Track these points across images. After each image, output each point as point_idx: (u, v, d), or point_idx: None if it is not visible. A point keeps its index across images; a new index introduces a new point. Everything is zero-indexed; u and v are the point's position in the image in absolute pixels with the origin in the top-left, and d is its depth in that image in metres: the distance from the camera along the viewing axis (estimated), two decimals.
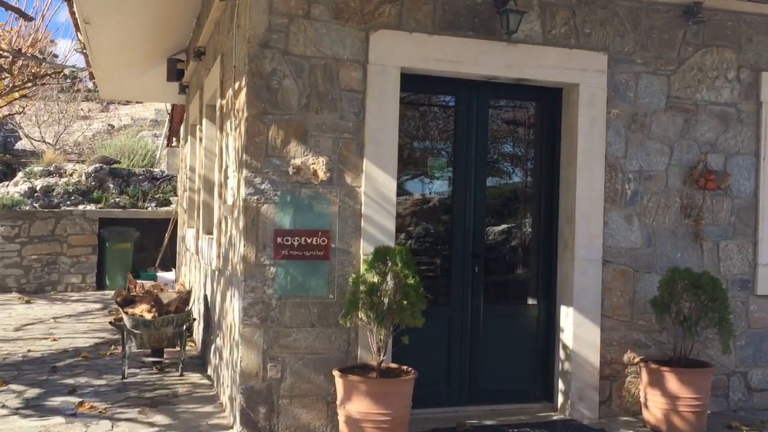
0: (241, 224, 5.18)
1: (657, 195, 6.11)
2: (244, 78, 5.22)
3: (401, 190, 5.91)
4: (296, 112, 5.23)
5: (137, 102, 22.11)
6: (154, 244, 14.21)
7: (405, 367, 5.12)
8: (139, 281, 9.05)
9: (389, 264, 5.02)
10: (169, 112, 14.31)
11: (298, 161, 5.23)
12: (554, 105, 6.11)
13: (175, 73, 9.82)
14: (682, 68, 6.16)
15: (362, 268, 5.17)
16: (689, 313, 5.59)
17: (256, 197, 5.15)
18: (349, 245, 5.36)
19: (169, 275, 12.41)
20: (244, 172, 5.15)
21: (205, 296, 7.42)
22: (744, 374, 6.33)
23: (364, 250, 5.31)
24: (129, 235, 13.64)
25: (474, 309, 5.94)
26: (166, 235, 13.59)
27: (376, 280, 5.00)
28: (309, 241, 5.27)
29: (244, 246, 5.14)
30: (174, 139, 14.08)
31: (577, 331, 5.87)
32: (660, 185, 6.12)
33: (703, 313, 5.55)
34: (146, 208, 14.78)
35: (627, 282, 6.04)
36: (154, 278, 12.27)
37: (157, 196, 15.20)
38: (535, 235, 6.19)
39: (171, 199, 14.97)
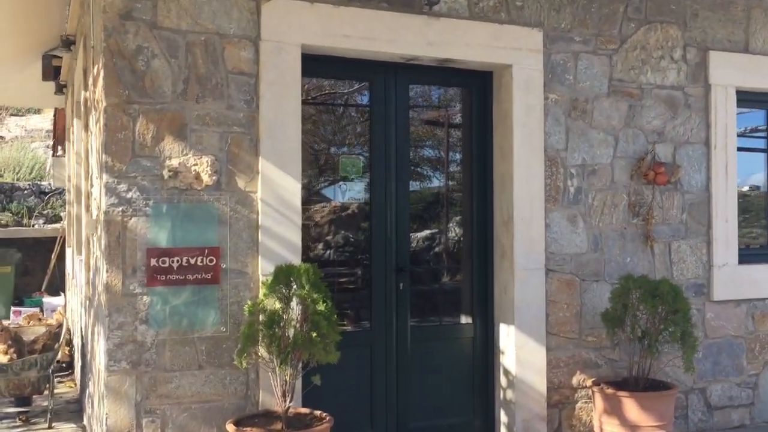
0: (103, 243, 4.08)
1: (602, 192, 5.34)
2: (101, 59, 4.12)
3: (319, 197, 4.94)
4: (171, 100, 4.17)
5: (34, 110, 20.20)
6: (41, 266, 12.65)
7: (318, 412, 4.13)
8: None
9: (294, 287, 4.02)
10: (54, 117, 12.85)
11: (175, 162, 4.17)
12: (485, 90, 5.26)
13: (51, 70, 8.53)
14: (624, 47, 5.43)
15: (261, 292, 4.15)
16: (647, 327, 4.83)
17: (120, 209, 4.06)
18: (244, 264, 4.33)
19: (58, 300, 10.98)
20: (105, 177, 4.05)
21: (82, 329, 6.21)
22: (703, 391, 5.64)
23: (264, 269, 4.30)
24: (8, 257, 12.06)
25: (400, 332, 5.00)
26: (53, 255, 12.12)
27: (277, 307, 4.00)
28: (192, 261, 4.21)
29: (108, 271, 4.04)
30: (59, 147, 12.62)
31: (519, 353, 5.02)
32: (605, 181, 5.36)
33: (664, 326, 4.80)
34: (32, 225, 13.21)
35: (573, 293, 5.24)
36: (39, 304, 10.86)
37: (45, 212, 13.63)
38: (467, 243, 5.32)
39: (62, 214, 13.46)
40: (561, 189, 5.20)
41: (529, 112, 5.09)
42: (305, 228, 4.80)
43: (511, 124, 5.05)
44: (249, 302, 4.10)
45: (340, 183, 4.96)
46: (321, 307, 3.93)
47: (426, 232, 5.38)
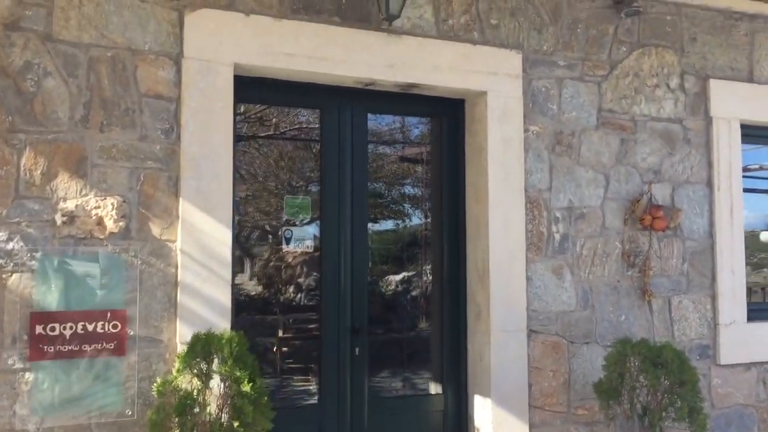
0: None
1: (592, 239, 4.61)
2: None
3: (258, 245, 4.17)
4: (68, 128, 3.40)
5: None
6: None
7: None
8: None
9: (215, 360, 3.21)
10: None
11: (71, 204, 3.38)
12: (456, 121, 4.54)
13: None
14: (614, 73, 4.75)
15: (175, 366, 3.32)
16: (648, 402, 4.05)
17: None
18: (158, 330, 3.52)
19: None
20: None
21: None
22: None
23: (184, 336, 3.49)
24: None
25: (355, 406, 4.18)
26: None
27: (193, 386, 3.18)
28: (91, 328, 3.39)
29: None
30: None
31: (498, 431, 4.21)
32: (595, 226, 4.63)
33: (668, 401, 4.02)
34: None
35: (560, 358, 4.46)
36: None
37: None
38: (437, 299, 4.53)
39: None
40: (544, 236, 4.46)
41: (506, 147, 4.36)
42: (238, 285, 4.03)
43: (486, 160, 4.32)
44: (159, 380, 3.27)
45: (285, 228, 4.18)
46: (246, 387, 3.12)
47: (390, 286, 4.60)
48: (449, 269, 4.48)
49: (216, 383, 3.19)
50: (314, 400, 4.16)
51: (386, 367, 4.51)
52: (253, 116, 4.24)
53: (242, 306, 4.20)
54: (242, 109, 4.08)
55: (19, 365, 3.25)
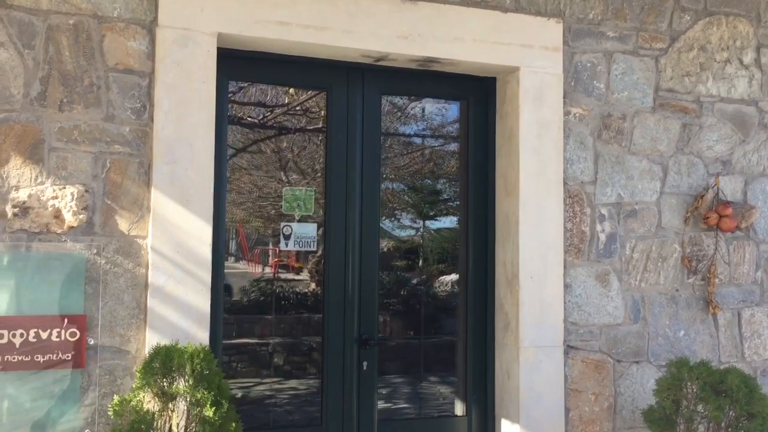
0: None
1: (645, 240, 3.93)
2: None
3: (259, 242, 3.69)
4: (21, 107, 2.97)
5: None
6: None
7: None
8: None
9: (176, 377, 2.73)
10: None
11: (24, 194, 2.95)
12: (484, 103, 3.94)
13: None
14: (675, 47, 4.05)
15: (134, 382, 2.85)
16: None
17: None
18: (124, 340, 3.06)
19: None
20: None
21: None
22: None
23: (156, 346, 3.01)
24: None
25: (363, 430, 3.65)
26: None
27: (152, 407, 2.71)
28: (45, 335, 2.95)
29: None
30: None
31: None
32: (649, 225, 3.95)
33: None
34: None
35: (604, 379, 3.81)
36: None
37: None
38: (462, 308, 3.94)
39: None
40: (587, 236, 3.82)
41: (542, 132, 3.74)
42: (228, 288, 3.57)
43: (518, 148, 3.71)
44: (116, 398, 2.80)
45: (284, 224, 3.67)
46: (209, 411, 2.62)
47: (406, 292, 4.04)
48: (475, 273, 3.88)
49: (178, 405, 2.71)
50: (316, 422, 3.63)
51: (400, 384, 3.95)
52: (246, 97, 3.73)
53: (233, 310, 3.69)
54: (234, 87, 3.59)
55: None
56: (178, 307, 3.11)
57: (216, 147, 3.26)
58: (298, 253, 3.81)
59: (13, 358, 2.90)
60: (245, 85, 3.68)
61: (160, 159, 3.11)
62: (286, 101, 3.82)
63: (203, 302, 3.15)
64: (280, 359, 3.69)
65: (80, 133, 3.03)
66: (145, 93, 3.12)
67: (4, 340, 2.89)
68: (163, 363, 2.71)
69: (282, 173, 3.75)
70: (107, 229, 3.05)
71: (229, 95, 3.53)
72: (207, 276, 3.17)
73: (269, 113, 3.79)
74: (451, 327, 4.03)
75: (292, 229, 3.67)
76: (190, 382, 2.65)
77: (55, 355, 2.96)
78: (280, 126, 3.82)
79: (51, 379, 2.96)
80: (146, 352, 3.03)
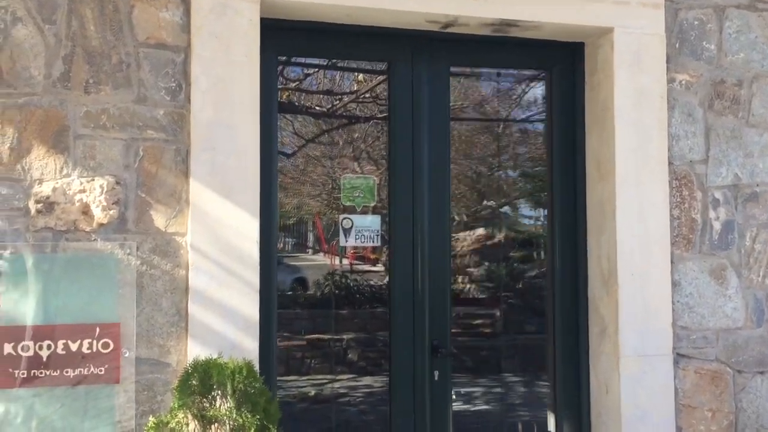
0: None
1: None
2: None
3: (299, 239, 3.30)
4: (43, 89, 2.64)
5: None
6: None
7: None
8: None
9: (217, 397, 2.33)
10: None
11: (48, 188, 2.62)
12: (572, 72, 3.40)
13: None
14: None
15: (172, 401, 2.48)
16: None
17: None
18: (163, 351, 2.70)
19: None
20: None
21: None
22: None
23: (198, 358, 2.64)
24: None
25: None
26: None
27: (193, 430, 2.33)
28: (75, 347, 2.62)
29: None
30: None
31: None
32: None
33: None
34: None
35: (723, 392, 3.23)
36: None
37: None
38: (550, 310, 3.43)
39: None
40: (698, 224, 3.24)
41: (642, 103, 3.18)
42: (303, 281, 3.22)
43: (613, 122, 3.16)
44: (152, 420, 2.44)
45: (343, 217, 3.24)
46: None
47: (486, 296, 3.55)
48: (563, 269, 3.36)
49: (226, 428, 2.32)
50: None
51: (476, 397, 3.47)
52: (307, 84, 3.32)
53: (306, 305, 3.34)
54: (282, 60, 3.18)
55: None
56: (223, 313, 2.73)
57: (262, 131, 2.85)
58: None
59: (41, 373, 2.58)
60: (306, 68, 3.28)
61: (199, 145, 2.73)
62: (354, 88, 3.40)
63: (251, 307, 2.75)
64: (354, 355, 3.36)
65: (109, 117, 2.68)
66: (180, 70, 2.75)
67: (31, 353, 2.57)
68: (202, 380, 2.32)
69: (346, 161, 3.33)
70: (141, 225, 2.69)
71: (293, 83, 3.13)
72: (254, 277, 2.77)
73: (330, 98, 3.38)
74: (539, 326, 3.53)
75: (352, 222, 3.24)
76: (231, 404, 2.25)
77: (86, 369, 2.62)
78: (342, 112, 3.41)
79: (83, 396, 2.62)
80: (188, 364, 2.65)
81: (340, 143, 3.38)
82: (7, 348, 2.56)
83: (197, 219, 2.72)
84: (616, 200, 3.14)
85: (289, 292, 3.36)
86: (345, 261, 3.40)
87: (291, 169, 3.32)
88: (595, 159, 3.28)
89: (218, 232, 2.73)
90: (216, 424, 2.30)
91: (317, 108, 3.41)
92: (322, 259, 3.43)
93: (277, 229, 3.05)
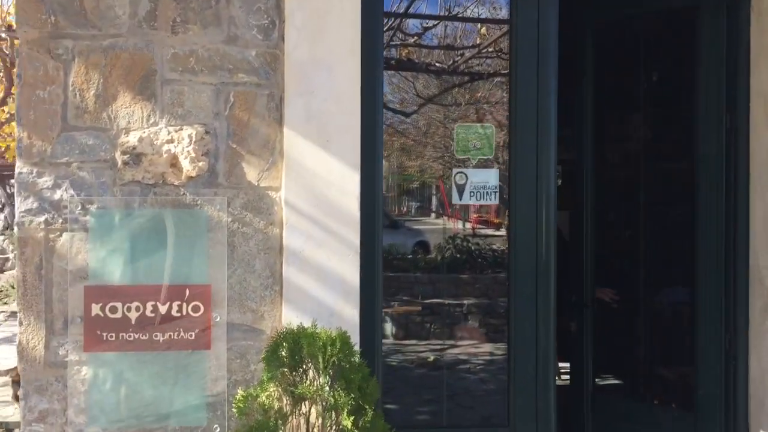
0: (18, 276, 2.45)
1: None
2: None
3: (409, 197, 3.00)
4: (128, 30, 2.43)
5: None
6: None
7: None
8: None
9: (308, 370, 2.07)
10: None
11: (134, 138, 2.42)
12: (731, 13, 2.84)
13: None
14: None
15: (263, 374, 2.24)
16: None
17: (42, 218, 2.40)
18: (257, 316, 2.47)
19: None
20: (19, 164, 2.42)
21: None
22: None
23: (292, 324, 2.39)
24: None
25: None
26: None
27: (277, 406, 2.08)
28: (164, 310, 2.43)
29: (23, 323, 2.41)
30: None
31: None
32: None
33: None
34: None
35: None
36: None
37: None
38: (696, 276, 2.92)
39: None
40: None
41: None
42: (425, 245, 2.94)
43: None
44: (240, 392, 2.20)
45: (456, 171, 2.87)
46: (347, 422, 1.93)
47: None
48: (715, 230, 2.84)
49: (305, 408, 2.05)
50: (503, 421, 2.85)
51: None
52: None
53: (427, 269, 3.11)
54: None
55: (72, 356, 2.40)
56: (320, 276, 2.45)
57: (364, 72, 2.52)
58: (499, 207, 3.03)
59: (129, 337, 2.41)
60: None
61: (293, 89, 2.44)
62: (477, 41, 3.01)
63: (351, 271, 2.46)
64: (475, 321, 3.12)
65: (197, 60, 2.44)
66: (273, 5, 2.46)
67: (119, 314, 2.41)
68: (291, 352, 2.06)
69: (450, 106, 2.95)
70: (233, 179, 2.45)
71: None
72: (355, 237, 2.47)
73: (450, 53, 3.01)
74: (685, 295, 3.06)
75: (466, 178, 2.86)
76: (322, 380, 1.97)
77: (176, 334, 2.43)
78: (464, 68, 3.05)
79: (172, 363, 2.44)
80: (277, 333, 2.40)
81: (462, 103, 3.05)
82: (95, 309, 2.40)
83: (292, 172, 2.45)
84: None
85: (410, 256, 3.20)
86: (468, 225, 3.13)
87: (413, 131, 3.06)
88: (763, 98, 2.71)
89: (315, 187, 2.45)
90: (307, 401, 2.04)
91: (436, 64, 3.08)
92: (445, 222, 3.20)
93: (381, 184, 2.71)
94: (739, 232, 2.81)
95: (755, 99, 2.76)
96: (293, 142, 2.45)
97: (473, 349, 3.14)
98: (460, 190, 2.88)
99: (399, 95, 3.14)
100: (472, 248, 3.11)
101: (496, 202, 2.88)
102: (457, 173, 2.88)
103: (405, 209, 3.32)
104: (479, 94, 3.10)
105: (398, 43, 3.08)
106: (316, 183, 2.45)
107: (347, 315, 2.45)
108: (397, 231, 3.35)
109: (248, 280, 2.46)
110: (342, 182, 2.46)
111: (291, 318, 2.42)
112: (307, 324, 2.22)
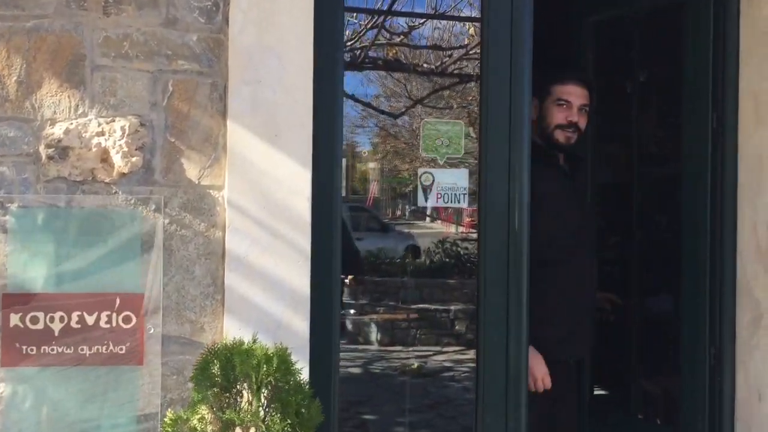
0: None
1: None
2: None
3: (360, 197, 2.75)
4: (55, 11, 2.19)
5: None
6: None
7: None
8: None
9: (242, 391, 1.84)
10: None
11: (60, 130, 2.18)
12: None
13: None
14: None
15: (192, 394, 2.00)
16: None
17: None
18: (196, 328, 2.23)
19: None
20: None
21: None
22: None
23: (234, 338, 2.15)
24: None
25: None
26: None
27: (210, 430, 1.85)
28: (91, 320, 2.19)
29: None
30: None
31: None
32: None
33: None
34: None
35: None
36: None
37: None
38: (684, 290, 2.72)
39: None
40: None
41: None
42: (415, 249, 2.78)
43: None
44: (169, 415, 1.97)
45: (422, 171, 2.65)
46: None
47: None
48: (700, 236, 2.63)
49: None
50: None
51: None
52: None
53: (415, 274, 2.95)
54: None
55: None
56: (266, 284, 2.22)
57: (322, 62, 2.30)
58: None
59: (52, 350, 2.17)
60: None
61: (239, 77, 2.22)
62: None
63: (300, 278, 2.24)
64: (462, 327, 2.99)
65: (132, 44, 2.21)
66: None
67: (40, 326, 2.17)
68: (224, 370, 1.83)
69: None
70: (171, 176, 2.22)
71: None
72: (305, 241, 2.24)
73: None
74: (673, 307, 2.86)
75: (433, 178, 2.64)
76: (254, 404, 1.74)
77: (104, 347, 2.19)
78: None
79: (101, 379, 2.20)
80: (206, 348, 2.16)
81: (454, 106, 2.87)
82: (14, 319, 2.16)
83: (236, 169, 2.22)
84: None
85: (398, 260, 3.07)
86: (461, 229, 2.99)
87: (405, 133, 2.88)
88: (753, 98, 2.51)
89: (261, 186, 2.22)
90: (238, 428, 1.80)
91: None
92: (437, 226, 3.03)
93: (340, 183, 2.50)
94: (725, 238, 2.61)
95: (744, 97, 2.56)
96: (238, 136, 2.22)
97: (458, 355, 3.03)
98: (426, 191, 2.66)
99: (392, 98, 2.96)
100: (461, 252, 2.98)
101: (465, 205, 2.66)
102: (423, 173, 2.66)
103: (399, 213, 3.18)
104: (455, 91, 2.90)
105: (384, 42, 2.88)
106: (262, 181, 2.22)
107: (296, 327, 2.22)
108: (387, 234, 3.22)
109: (187, 288, 2.23)
110: (291, 181, 2.23)
111: (234, 330, 2.19)
112: (250, 337, 1.99)
